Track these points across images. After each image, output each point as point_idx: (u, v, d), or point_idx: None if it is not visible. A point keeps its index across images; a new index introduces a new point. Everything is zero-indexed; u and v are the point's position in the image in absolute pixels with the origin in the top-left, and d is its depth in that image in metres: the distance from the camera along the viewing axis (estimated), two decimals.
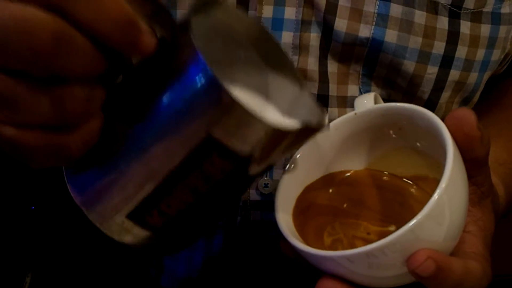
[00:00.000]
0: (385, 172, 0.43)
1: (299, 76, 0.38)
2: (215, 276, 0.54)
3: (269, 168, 0.38)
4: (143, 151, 0.32)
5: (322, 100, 0.50)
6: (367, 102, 0.42)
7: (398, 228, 0.32)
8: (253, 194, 0.50)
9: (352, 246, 0.39)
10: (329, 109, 0.50)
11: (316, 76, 0.49)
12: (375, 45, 0.48)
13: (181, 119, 0.31)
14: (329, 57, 0.49)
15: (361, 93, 0.50)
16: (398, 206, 0.40)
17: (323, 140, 0.42)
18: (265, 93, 0.38)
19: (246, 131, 0.31)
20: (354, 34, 0.47)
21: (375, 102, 0.42)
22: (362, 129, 0.42)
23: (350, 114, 0.42)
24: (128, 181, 0.33)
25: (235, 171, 0.33)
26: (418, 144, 0.41)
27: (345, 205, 0.42)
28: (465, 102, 0.53)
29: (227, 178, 0.33)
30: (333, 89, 0.50)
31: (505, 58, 0.54)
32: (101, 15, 0.27)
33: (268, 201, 0.50)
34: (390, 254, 0.33)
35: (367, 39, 0.48)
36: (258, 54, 0.38)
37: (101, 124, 0.31)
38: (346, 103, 0.50)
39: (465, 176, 0.36)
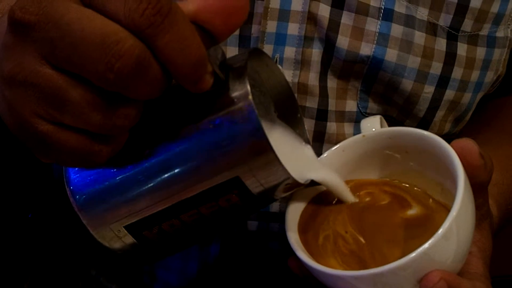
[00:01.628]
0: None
1: (306, 134, 0.41)
2: (211, 285, 0.54)
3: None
4: (167, 172, 0.32)
5: (321, 114, 0.51)
6: (373, 125, 0.43)
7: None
8: None
9: (335, 243, 0.40)
10: (327, 123, 0.51)
11: (316, 90, 0.50)
12: (375, 63, 0.49)
13: (216, 154, 0.32)
14: (329, 73, 0.50)
15: (358, 108, 0.52)
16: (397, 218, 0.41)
17: (331, 162, 0.43)
18: (282, 146, 0.40)
19: (270, 178, 0.33)
20: (355, 52, 0.49)
21: (381, 125, 0.43)
22: (370, 151, 0.43)
23: (358, 136, 0.43)
24: (142, 195, 0.33)
25: (243, 206, 0.35)
26: (424, 167, 0.42)
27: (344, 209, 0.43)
28: (457, 121, 0.55)
29: (233, 211, 0.35)
30: (332, 104, 0.51)
31: (497, 79, 0.56)
32: (183, 52, 0.28)
33: (265, 212, 0.51)
34: (401, 275, 0.34)
35: (368, 57, 0.49)
36: (277, 107, 0.41)
37: (127, 138, 0.32)
38: (344, 117, 0.52)
39: (473, 200, 0.37)
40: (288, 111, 0.41)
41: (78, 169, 0.34)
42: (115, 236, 0.35)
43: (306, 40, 0.49)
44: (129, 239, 0.35)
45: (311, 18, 0.49)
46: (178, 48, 0.28)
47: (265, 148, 0.31)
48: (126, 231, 0.35)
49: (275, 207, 0.51)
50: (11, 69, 0.29)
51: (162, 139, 0.33)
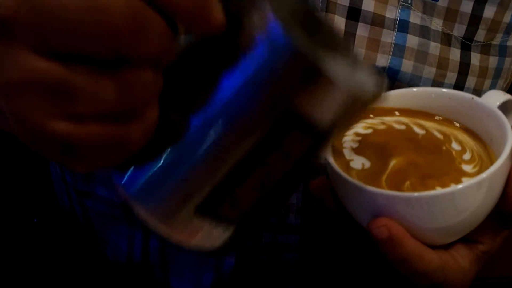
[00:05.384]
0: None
1: (352, 47, 0.37)
2: None
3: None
4: (217, 131, 0.29)
5: None
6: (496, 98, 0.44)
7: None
8: None
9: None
10: None
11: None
12: (391, 74, 0.49)
13: (256, 95, 0.28)
14: None
15: None
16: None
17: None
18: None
19: (328, 100, 0.29)
20: (371, 63, 0.49)
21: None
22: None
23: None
24: (200, 166, 0.29)
25: (312, 147, 0.31)
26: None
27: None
28: None
29: (305, 156, 0.31)
30: None
31: (506, 87, 0.56)
32: None
33: (281, 224, 0.51)
34: (417, 207, 0.36)
35: (384, 68, 0.49)
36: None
37: (158, 111, 0.28)
38: None
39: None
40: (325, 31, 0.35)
41: (123, 167, 0.30)
42: (189, 227, 0.31)
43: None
44: (207, 224, 0.31)
45: None
46: None
47: (307, 63, 0.27)
48: (199, 215, 0.30)
49: (290, 219, 0.51)
50: (2, 75, 0.25)
51: (198, 101, 0.29)
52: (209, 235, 0.32)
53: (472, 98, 0.43)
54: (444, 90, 0.45)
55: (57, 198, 0.63)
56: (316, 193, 0.42)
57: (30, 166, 0.66)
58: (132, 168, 0.30)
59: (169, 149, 0.29)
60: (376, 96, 0.31)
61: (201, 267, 0.53)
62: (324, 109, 0.29)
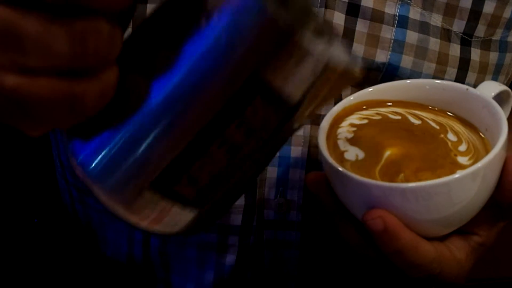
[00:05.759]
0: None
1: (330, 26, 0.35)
2: None
3: (302, 125, 0.35)
4: (170, 104, 0.27)
5: None
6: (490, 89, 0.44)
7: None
8: (267, 214, 0.51)
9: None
10: None
11: (332, 98, 0.50)
12: (390, 70, 0.49)
13: (221, 59, 0.26)
14: None
15: None
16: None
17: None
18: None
19: (297, 69, 0.27)
20: (371, 59, 0.49)
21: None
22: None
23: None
24: (153, 142, 0.27)
25: (277, 120, 0.29)
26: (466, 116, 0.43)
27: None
28: None
29: (269, 130, 0.29)
30: None
31: (507, 83, 0.56)
32: None
33: (282, 221, 0.51)
34: (411, 198, 0.36)
35: (384, 64, 0.49)
36: None
37: (117, 74, 0.26)
38: None
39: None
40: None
41: (79, 138, 0.28)
42: (145, 205, 0.29)
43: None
44: (162, 203, 0.29)
45: None
46: None
47: (279, 27, 0.25)
48: (154, 192, 0.28)
49: (291, 216, 0.51)
50: None
51: (155, 68, 0.27)
52: (171, 217, 0.30)
53: (467, 89, 0.43)
54: (438, 81, 0.45)
55: (61, 197, 0.63)
56: (312, 187, 0.42)
57: (35, 163, 0.66)
58: (89, 143, 0.28)
59: (128, 118, 0.27)
60: (348, 71, 0.29)
61: (203, 264, 0.52)
62: (292, 79, 0.27)
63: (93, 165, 0.28)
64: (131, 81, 0.27)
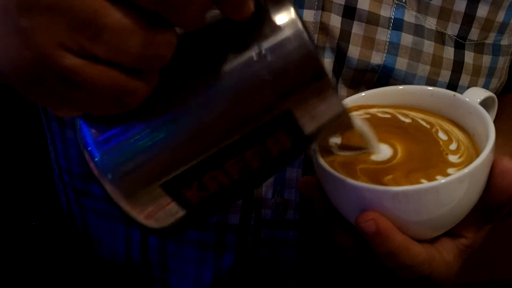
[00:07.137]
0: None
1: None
2: None
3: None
4: (210, 113, 0.29)
5: None
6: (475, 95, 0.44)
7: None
8: (264, 213, 0.51)
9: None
10: None
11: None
12: (385, 72, 0.50)
13: (264, 86, 0.28)
14: (340, 81, 0.51)
15: None
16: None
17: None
18: None
19: (323, 112, 0.30)
20: (366, 61, 0.50)
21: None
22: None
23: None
24: (181, 143, 0.29)
25: (290, 150, 0.31)
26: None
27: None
28: None
29: (280, 156, 0.31)
30: None
31: (500, 86, 0.57)
32: None
33: (279, 220, 0.51)
34: (403, 201, 0.36)
35: (379, 66, 0.50)
36: None
37: (158, 77, 0.28)
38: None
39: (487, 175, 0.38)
40: None
41: (95, 125, 0.29)
42: (149, 202, 0.30)
43: (317, 50, 0.50)
44: (167, 202, 0.30)
45: (323, 28, 0.49)
46: None
47: (320, 73, 0.29)
48: (163, 191, 0.30)
49: (289, 215, 0.51)
50: None
51: (198, 77, 0.29)
52: (164, 215, 0.31)
53: (454, 95, 0.43)
54: (428, 87, 0.45)
55: (58, 199, 0.63)
56: (304, 190, 0.42)
57: (32, 167, 0.67)
58: (103, 131, 0.29)
59: (153, 120, 0.29)
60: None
61: (201, 264, 0.53)
62: (316, 116, 0.30)
63: (112, 152, 0.29)
64: (173, 81, 0.29)
